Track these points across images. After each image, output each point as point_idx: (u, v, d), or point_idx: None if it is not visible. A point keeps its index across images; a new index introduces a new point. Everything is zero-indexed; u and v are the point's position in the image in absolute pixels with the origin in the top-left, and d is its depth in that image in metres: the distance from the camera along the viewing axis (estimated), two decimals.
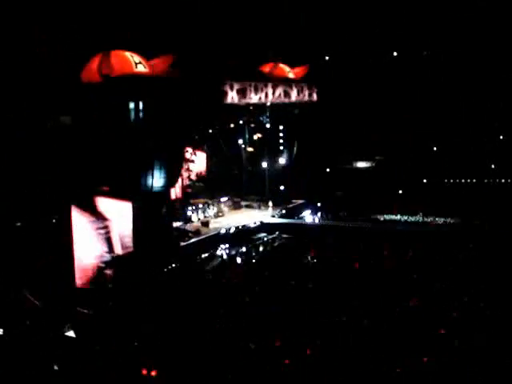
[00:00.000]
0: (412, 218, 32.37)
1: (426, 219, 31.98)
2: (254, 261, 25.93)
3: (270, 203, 35.29)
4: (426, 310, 17.56)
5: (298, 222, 33.10)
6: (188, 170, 31.52)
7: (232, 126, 35.46)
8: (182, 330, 16.22)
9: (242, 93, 30.81)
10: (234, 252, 27.00)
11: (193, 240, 27.48)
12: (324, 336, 15.68)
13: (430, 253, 24.55)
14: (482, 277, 20.37)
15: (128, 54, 24.52)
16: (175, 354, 14.71)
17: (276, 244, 29.16)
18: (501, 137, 39.97)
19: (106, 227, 23.58)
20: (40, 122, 21.95)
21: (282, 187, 36.13)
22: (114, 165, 23.20)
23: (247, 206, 35.91)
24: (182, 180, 30.67)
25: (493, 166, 38.95)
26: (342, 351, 14.69)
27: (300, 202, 36.63)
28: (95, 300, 20.03)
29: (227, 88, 29.84)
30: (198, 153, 32.43)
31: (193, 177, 32.58)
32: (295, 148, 37.07)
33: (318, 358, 14.45)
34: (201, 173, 33.99)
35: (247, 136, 36.91)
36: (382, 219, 32.99)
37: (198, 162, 32.58)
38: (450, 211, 31.64)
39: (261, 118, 35.70)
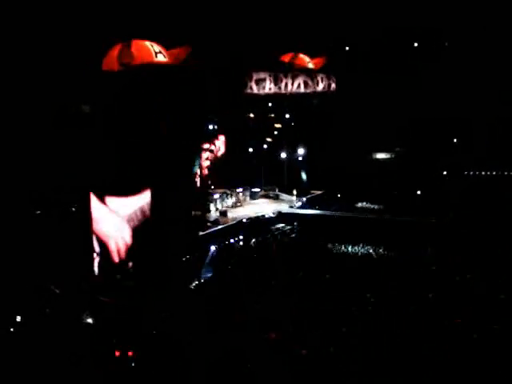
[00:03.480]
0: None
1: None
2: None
3: (295, 192, 35.24)
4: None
5: (317, 212, 32.95)
6: (207, 159, 31.56)
7: (251, 115, 35.34)
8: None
9: (261, 83, 30.69)
10: (252, 242, 27.05)
11: (211, 229, 27.54)
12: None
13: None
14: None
15: (148, 43, 24.53)
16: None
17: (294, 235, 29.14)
18: None
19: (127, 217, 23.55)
20: (60, 110, 21.99)
21: (301, 178, 36.02)
22: (133, 154, 23.23)
23: (265, 196, 35.88)
24: (201, 169, 30.72)
25: None
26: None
27: (319, 192, 36.50)
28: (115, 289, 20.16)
29: (246, 78, 29.76)
30: (217, 142, 32.45)
31: (211, 166, 32.59)
32: (314, 139, 36.90)
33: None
34: (219, 162, 33.97)
35: (266, 126, 36.77)
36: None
37: (216, 152, 32.60)
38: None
39: (280, 108, 35.54)
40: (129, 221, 22.95)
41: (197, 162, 29.59)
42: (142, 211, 23.32)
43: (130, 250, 22.71)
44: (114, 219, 22.53)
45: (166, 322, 16.66)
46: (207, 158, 31.41)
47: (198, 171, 29.95)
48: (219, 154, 33.38)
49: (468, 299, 17.82)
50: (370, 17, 38.70)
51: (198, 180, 30.44)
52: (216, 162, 33.20)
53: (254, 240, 27.30)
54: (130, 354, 14.44)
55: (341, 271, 21.31)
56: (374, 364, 13.73)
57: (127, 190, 23.01)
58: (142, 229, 23.38)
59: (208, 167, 32.00)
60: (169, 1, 28.11)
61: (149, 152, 23.27)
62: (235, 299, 18.50)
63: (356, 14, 38.33)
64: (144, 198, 23.50)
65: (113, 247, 22.30)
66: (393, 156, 41.93)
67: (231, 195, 33.21)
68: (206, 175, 32.01)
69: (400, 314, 16.70)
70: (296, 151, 36.64)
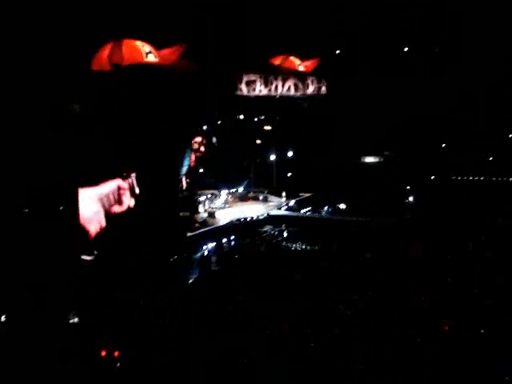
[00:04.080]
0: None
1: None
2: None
3: (284, 194, 35.32)
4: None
5: (305, 215, 33.05)
6: (196, 160, 31.55)
7: (241, 117, 35.43)
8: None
9: (251, 85, 30.76)
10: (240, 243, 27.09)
11: (200, 230, 27.54)
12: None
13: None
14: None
15: (139, 43, 24.50)
16: None
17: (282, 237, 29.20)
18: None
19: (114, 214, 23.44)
20: (50, 109, 21.92)
21: (290, 180, 36.11)
22: (121, 154, 23.19)
23: (254, 198, 35.92)
24: (190, 170, 30.70)
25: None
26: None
27: (307, 195, 36.61)
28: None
29: (236, 80, 29.81)
30: (206, 143, 32.44)
31: (200, 167, 32.60)
32: (303, 141, 37.00)
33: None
34: (208, 163, 33.98)
35: (256, 128, 36.85)
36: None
37: (205, 153, 32.60)
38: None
39: (270, 111, 35.64)
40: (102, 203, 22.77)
41: (185, 163, 29.55)
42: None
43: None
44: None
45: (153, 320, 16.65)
46: (196, 159, 31.39)
47: (187, 172, 29.93)
48: (208, 155, 33.40)
49: (457, 302, 17.91)
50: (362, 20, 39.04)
51: (186, 181, 30.46)
52: (205, 163, 33.24)
53: (241, 241, 27.34)
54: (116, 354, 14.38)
55: (330, 272, 21.35)
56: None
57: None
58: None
59: (196, 168, 32.02)
60: (159, 1, 28.04)
61: (137, 151, 23.28)
62: (224, 299, 18.49)
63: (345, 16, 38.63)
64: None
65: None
66: (381, 160, 42.13)
67: (220, 196, 33.21)
68: (195, 176, 32.01)
69: (391, 315, 16.76)
70: (285, 153, 36.72)
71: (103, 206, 22.73)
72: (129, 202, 23.62)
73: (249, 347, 14.56)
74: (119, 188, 23.38)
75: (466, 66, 38.27)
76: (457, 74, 38.35)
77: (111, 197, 23.16)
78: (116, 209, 23.29)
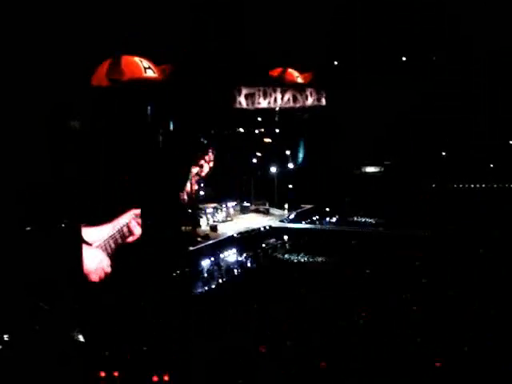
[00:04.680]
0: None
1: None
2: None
3: (285, 206, 35.33)
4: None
5: (307, 226, 32.97)
6: (196, 174, 31.56)
7: (241, 130, 35.47)
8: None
9: (250, 98, 30.82)
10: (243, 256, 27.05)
11: (202, 244, 27.46)
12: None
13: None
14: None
15: (137, 59, 24.65)
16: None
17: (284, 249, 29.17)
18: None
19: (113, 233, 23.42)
20: (49, 126, 21.95)
21: (291, 192, 36.07)
22: (122, 169, 23.21)
23: (256, 211, 35.86)
24: (191, 184, 30.70)
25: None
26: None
27: (309, 206, 36.55)
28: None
29: (235, 93, 29.88)
30: (207, 157, 32.49)
31: (201, 181, 32.61)
32: (304, 153, 37.05)
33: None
34: (209, 177, 33.98)
35: (256, 141, 36.87)
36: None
37: (206, 167, 32.62)
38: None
39: (270, 123, 35.66)
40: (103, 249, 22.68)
41: (187, 177, 29.57)
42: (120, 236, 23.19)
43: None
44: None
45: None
46: (197, 173, 31.40)
47: (188, 186, 29.94)
48: (209, 168, 33.42)
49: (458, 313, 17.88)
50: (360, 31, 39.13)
51: (188, 195, 30.45)
52: (206, 176, 33.24)
53: (244, 254, 27.28)
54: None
55: (332, 285, 21.32)
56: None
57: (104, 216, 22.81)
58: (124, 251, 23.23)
59: (198, 182, 32.02)
60: (158, 16, 28.18)
61: (137, 167, 23.29)
62: (229, 311, 18.48)
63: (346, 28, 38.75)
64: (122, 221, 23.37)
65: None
66: (382, 169, 42.10)
67: (221, 210, 33.16)
68: (196, 190, 32.02)
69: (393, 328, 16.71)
70: (286, 166, 36.71)
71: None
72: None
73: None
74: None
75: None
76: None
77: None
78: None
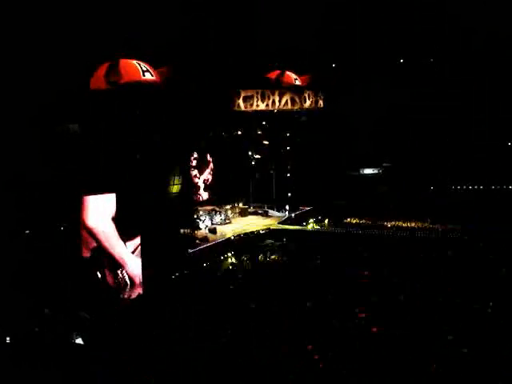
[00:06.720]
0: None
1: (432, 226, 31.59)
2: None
3: (284, 208, 35.37)
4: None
5: (306, 228, 33.00)
6: (195, 176, 31.59)
7: (239, 133, 35.55)
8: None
9: (248, 100, 30.86)
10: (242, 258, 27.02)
11: (201, 247, 27.49)
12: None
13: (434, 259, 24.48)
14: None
15: (135, 62, 24.67)
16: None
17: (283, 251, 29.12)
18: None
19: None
20: (49, 129, 21.96)
21: (289, 194, 36.14)
22: (121, 172, 23.19)
23: (254, 213, 35.91)
24: (189, 187, 30.72)
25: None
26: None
27: (307, 208, 36.60)
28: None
29: (233, 95, 29.93)
30: (206, 160, 32.54)
31: (200, 184, 32.65)
32: (302, 155, 37.10)
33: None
34: (208, 180, 34.03)
35: (254, 143, 36.95)
36: (388, 226, 32.74)
37: (204, 169, 32.68)
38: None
39: (268, 125, 35.75)
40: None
41: (185, 180, 29.56)
42: None
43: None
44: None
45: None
46: (196, 176, 31.43)
47: (186, 188, 29.93)
48: (208, 171, 33.48)
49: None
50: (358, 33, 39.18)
51: (186, 197, 30.45)
52: (204, 179, 33.29)
53: (243, 257, 27.26)
54: None
55: (334, 287, 21.28)
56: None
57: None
58: None
59: (196, 184, 32.06)
60: (156, 19, 28.23)
61: (135, 169, 23.29)
62: (231, 312, 18.48)
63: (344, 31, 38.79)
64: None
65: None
66: (380, 171, 42.15)
67: (220, 212, 33.20)
68: (195, 192, 32.07)
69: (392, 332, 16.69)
70: (284, 168, 36.77)
71: None
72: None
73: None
74: None
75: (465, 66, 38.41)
76: (456, 74, 38.46)
77: None
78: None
